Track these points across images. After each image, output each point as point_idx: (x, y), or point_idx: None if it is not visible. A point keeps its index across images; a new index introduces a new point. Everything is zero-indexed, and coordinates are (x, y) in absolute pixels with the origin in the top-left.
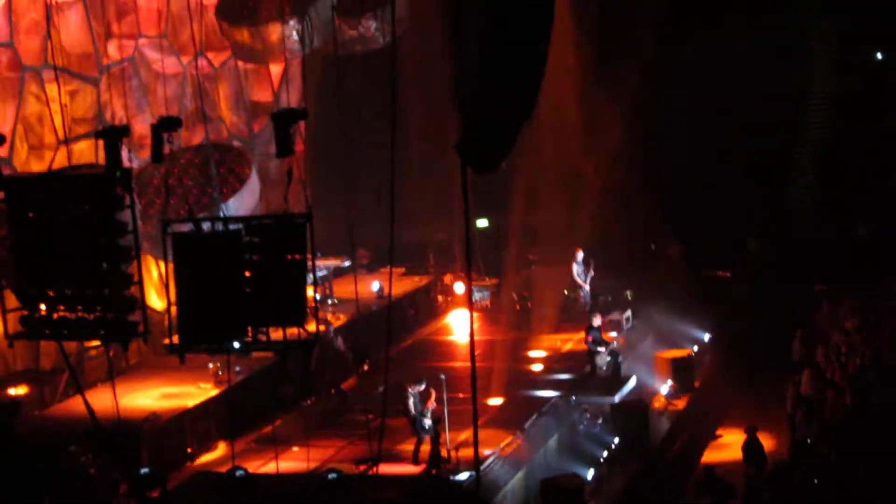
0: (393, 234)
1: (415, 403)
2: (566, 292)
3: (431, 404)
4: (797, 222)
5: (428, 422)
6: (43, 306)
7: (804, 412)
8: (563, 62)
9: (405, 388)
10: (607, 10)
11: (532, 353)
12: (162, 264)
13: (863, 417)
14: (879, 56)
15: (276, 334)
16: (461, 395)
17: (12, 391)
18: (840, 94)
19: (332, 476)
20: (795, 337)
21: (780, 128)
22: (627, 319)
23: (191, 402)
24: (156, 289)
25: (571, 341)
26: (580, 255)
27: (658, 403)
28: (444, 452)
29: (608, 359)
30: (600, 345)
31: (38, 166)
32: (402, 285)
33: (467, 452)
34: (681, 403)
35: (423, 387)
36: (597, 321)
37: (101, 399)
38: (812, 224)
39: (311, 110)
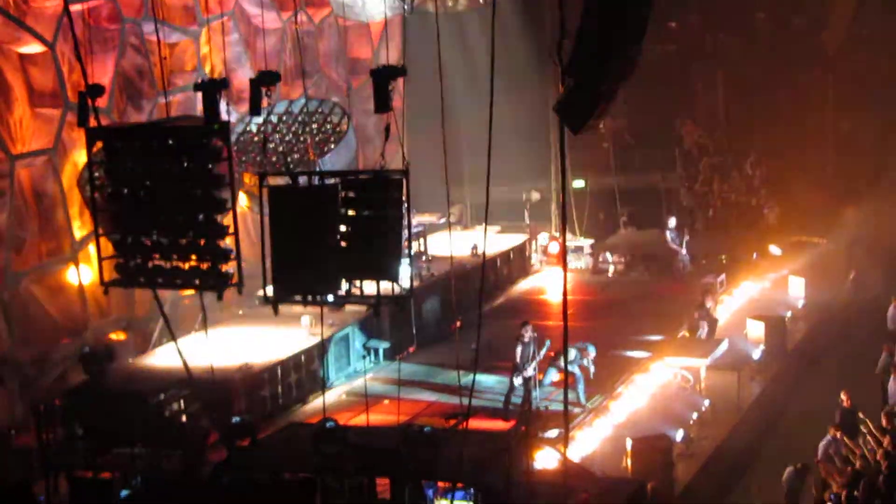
0: (489, 193)
1: (523, 353)
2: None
3: (539, 357)
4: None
5: (530, 373)
6: (138, 255)
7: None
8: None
9: (520, 332)
10: None
11: (625, 314)
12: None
13: None
14: None
15: (371, 288)
16: (552, 354)
17: (107, 338)
18: None
19: (421, 430)
20: (891, 305)
21: (880, 99)
22: (721, 283)
23: (283, 354)
24: (250, 240)
25: (665, 303)
26: (672, 221)
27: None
28: (534, 409)
29: (706, 331)
30: (700, 324)
31: (136, 118)
32: (497, 244)
33: (557, 409)
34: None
35: (530, 332)
36: (709, 302)
37: (193, 348)
38: None
39: (411, 69)
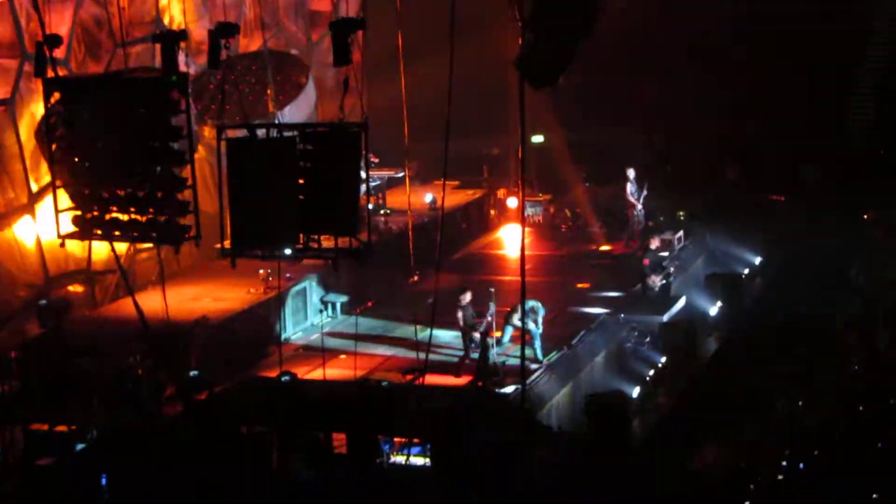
0: (447, 147)
1: (466, 316)
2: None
3: (487, 319)
4: (854, 148)
5: (478, 334)
6: (95, 207)
7: (856, 338)
8: None
9: (458, 297)
10: None
11: (582, 270)
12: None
13: None
14: None
15: (329, 242)
16: (510, 309)
17: (63, 290)
18: None
19: (377, 384)
20: (852, 264)
21: (841, 53)
22: (679, 239)
23: (240, 307)
24: (209, 193)
25: (622, 259)
26: (632, 173)
27: None
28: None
29: (661, 282)
30: (655, 269)
31: (94, 69)
32: (455, 198)
33: (514, 365)
34: None
35: (469, 297)
36: (654, 244)
37: (151, 301)
38: (870, 150)
39: (371, 21)
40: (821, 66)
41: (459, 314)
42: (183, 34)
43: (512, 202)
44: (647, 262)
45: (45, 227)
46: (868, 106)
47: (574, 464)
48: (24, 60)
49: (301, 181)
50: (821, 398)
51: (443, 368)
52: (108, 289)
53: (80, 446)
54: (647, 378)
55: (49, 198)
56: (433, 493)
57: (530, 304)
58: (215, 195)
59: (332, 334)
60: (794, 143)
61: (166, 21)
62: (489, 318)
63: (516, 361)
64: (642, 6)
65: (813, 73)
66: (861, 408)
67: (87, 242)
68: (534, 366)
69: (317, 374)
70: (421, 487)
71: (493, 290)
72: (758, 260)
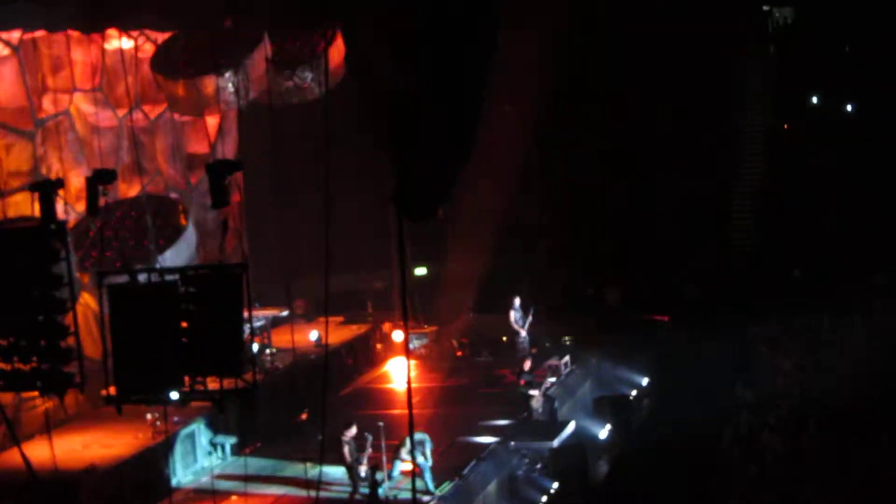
0: (328, 284)
1: (350, 451)
2: (504, 339)
3: (367, 451)
4: (734, 265)
5: (364, 469)
6: None
7: (741, 452)
8: (499, 109)
9: (339, 437)
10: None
11: (470, 400)
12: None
13: (797, 459)
14: (815, 100)
15: (214, 384)
16: (398, 442)
17: None
18: (776, 136)
19: None
20: (737, 380)
21: (717, 171)
22: (566, 365)
23: (129, 453)
24: (93, 339)
25: (509, 387)
26: (517, 301)
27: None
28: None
29: (542, 402)
30: (533, 388)
31: None
32: (341, 334)
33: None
34: None
35: (354, 431)
36: (527, 365)
37: (39, 451)
38: (748, 267)
39: (249, 161)
40: (698, 184)
41: (345, 449)
42: (60, 182)
43: (397, 335)
44: (522, 382)
45: None
46: (746, 223)
47: None
48: None
49: (184, 324)
50: None
51: None
52: None
53: None
54: None
55: None
56: None
57: (418, 436)
58: (99, 342)
59: (223, 476)
60: (675, 262)
61: (44, 170)
62: (370, 450)
63: (408, 495)
64: (514, 128)
65: (691, 191)
66: None
67: None
68: (426, 498)
69: None
70: None
71: (381, 423)
72: (645, 381)
